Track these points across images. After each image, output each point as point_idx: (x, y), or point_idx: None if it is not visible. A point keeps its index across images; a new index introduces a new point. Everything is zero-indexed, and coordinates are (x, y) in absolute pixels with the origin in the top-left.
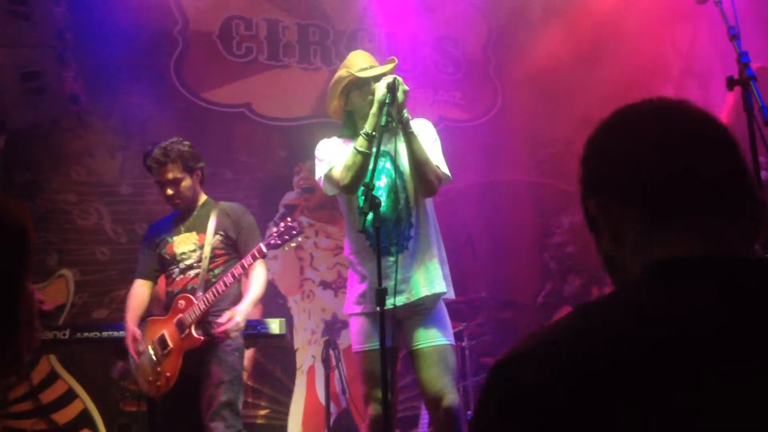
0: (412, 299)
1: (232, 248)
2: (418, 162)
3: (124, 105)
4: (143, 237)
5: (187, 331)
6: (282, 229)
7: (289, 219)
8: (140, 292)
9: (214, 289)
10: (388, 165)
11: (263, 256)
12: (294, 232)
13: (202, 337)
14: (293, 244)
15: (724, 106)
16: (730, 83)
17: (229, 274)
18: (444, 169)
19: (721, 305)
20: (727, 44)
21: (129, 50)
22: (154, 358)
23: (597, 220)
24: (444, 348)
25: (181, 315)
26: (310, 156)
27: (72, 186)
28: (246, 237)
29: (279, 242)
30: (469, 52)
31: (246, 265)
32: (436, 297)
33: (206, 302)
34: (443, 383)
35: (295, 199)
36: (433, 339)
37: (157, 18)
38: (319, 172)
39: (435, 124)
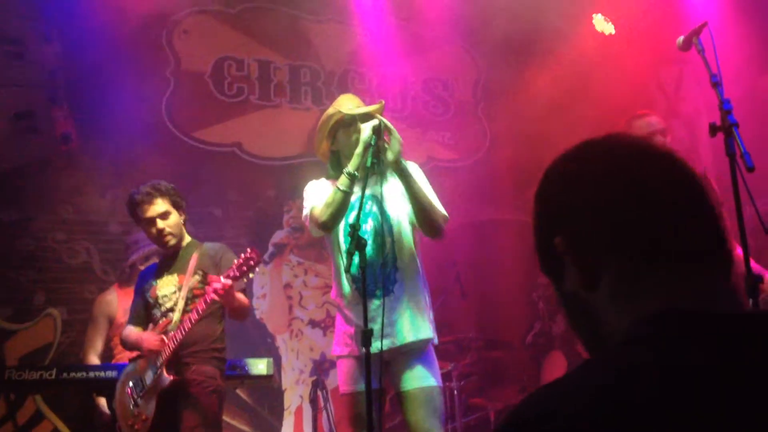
0: (397, 344)
1: None
2: (424, 206)
3: (114, 144)
4: (135, 283)
5: (158, 372)
6: (241, 260)
7: (248, 249)
8: (132, 330)
9: (181, 328)
10: (375, 209)
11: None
12: (252, 263)
13: (170, 377)
14: (251, 275)
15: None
16: (713, 130)
17: (194, 311)
18: (443, 209)
19: (732, 362)
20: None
21: (121, 89)
22: (132, 399)
23: (561, 259)
24: (431, 390)
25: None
26: (299, 195)
27: (60, 224)
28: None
29: (237, 274)
30: (458, 93)
31: (208, 301)
32: (421, 342)
33: (174, 341)
34: (430, 425)
35: (284, 238)
36: (420, 381)
37: (150, 58)
38: (304, 213)
39: (424, 164)
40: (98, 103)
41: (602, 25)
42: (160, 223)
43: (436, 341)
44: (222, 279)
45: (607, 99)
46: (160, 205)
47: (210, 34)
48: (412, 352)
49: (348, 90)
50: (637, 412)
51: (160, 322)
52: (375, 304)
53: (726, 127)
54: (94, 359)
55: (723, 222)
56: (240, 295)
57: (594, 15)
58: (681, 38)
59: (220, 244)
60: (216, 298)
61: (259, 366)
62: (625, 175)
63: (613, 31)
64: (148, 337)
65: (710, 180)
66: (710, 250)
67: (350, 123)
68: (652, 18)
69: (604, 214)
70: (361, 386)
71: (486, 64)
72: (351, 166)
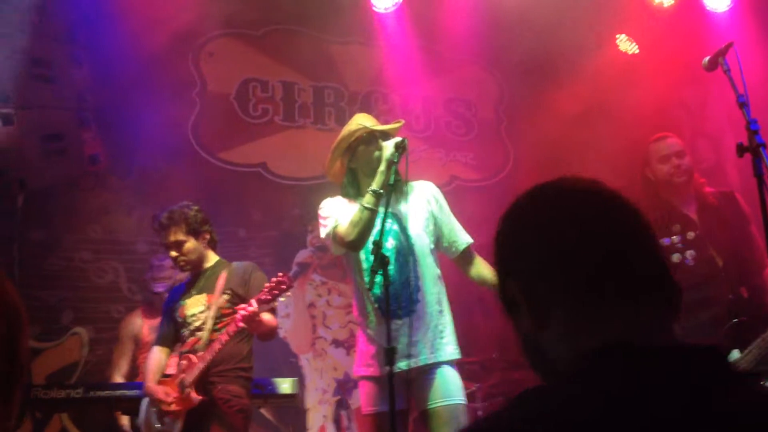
0: (420, 363)
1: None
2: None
3: (141, 165)
4: (164, 302)
5: (186, 391)
6: (273, 284)
7: (280, 274)
8: (156, 357)
9: (211, 348)
10: (396, 227)
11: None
12: (283, 287)
13: (199, 397)
14: (282, 299)
15: None
16: (740, 150)
17: (225, 333)
18: (462, 234)
19: (671, 397)
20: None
21: (148, 111)
22: (158, 419)
23: (516, 302)
24: (456, 407)
25: (182, 375)
26: None
27: (88, 244)
28: (255, 293)
29: (269, 297)
30: (481, 112)
31: (237, 327)
32: (445, 361)
33: (204, 361)
34: None
35: (308, 257)
36: (444, 398)
37: (176, 80)
38: (325, 231)
39: (447, 184)
40: (126, 125)
41: (626, 45)
42: (173, 253)
43: (459, 357)
44: (252, 303)
45: (631, 119)
46: (173, 235)
47: (235, 56)
48: (436, 371)
49: (371, 110)
50: None
51: (188, 341)
52: (397, 323)
53: (753, 148)
54: (119, 380)
55: (664, 257)
56: (268, 317)
57: (618, 35)
58: (707, 59)
59: (250, 263)
60: (243, 325)
61: (284, 385)
62: (568, 218)
63: (637, 51)
64: (156, 390)
65: (739, 200)
66: (652, 286)
67: (371, 140)
68: (677, 38)
69: (549, 256)
70: (384, 407)
71: (508, 83)
72: (376, 184)
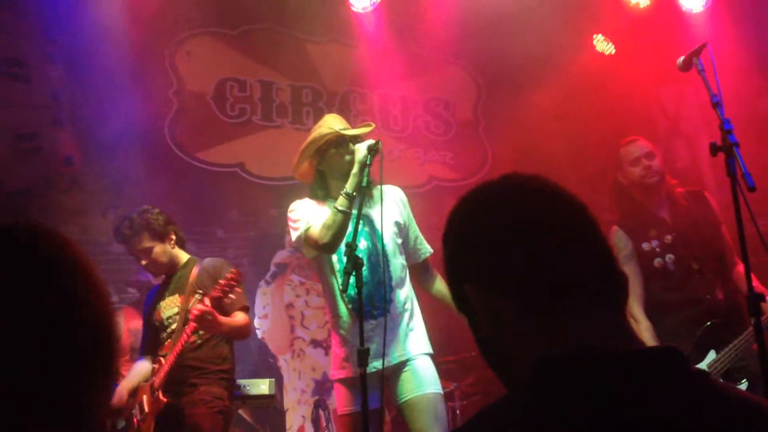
0: (394, 362)
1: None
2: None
3: (117, 165)
4: (143, 308)
5: (156, 394)
6: (224, 281)
7: (233, 270)
8: (140, 367)
9: (174, 349)
10: (367, 228)
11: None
12: (234, 283)
13: (164, 400)
14: (232, 296)
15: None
16: (714, 149)
17: (184, 332)
18: (425, 244)
19: (622, 406)
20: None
21: (124, 111)
22: (135, 424)
23: (471, 307)
24: (433, 397)
25: (153, 379)
26: None
27: None
28: None
29: (220, 294)
30: (459, 112)
31: (192, 324)
32: (419, 356)
33: (169, 363)
34: None
35: (286, 258)
36: (420, 389)
37: (153, 79)
38: (296, 234)
39: (425, 183)
40: (101, 125)
41: (603, 45)
42: (143, 261)
43: (431, 352)
44: (206, 301)
45: (608, 118)
46: (139, 244)
47: (212, 56)
48: (408, 365)
49: (350, 110)
50: None
51: (166, 344)
52: (372, 323)
53: (727, 147)
54: None
55: (611, 254)
56: (230, 319)
57: (594, 35)
58: (681, 59)
59: (220, 259)
60: (195, 325)
61: (261, 386)
62: (513, 219)
63: (613, 52)
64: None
65: (709, 199)
66: (601, 285)
67: (341, 143)
68: (653, 39)
69: (500, 262)
70: (359, 406)
71: (486, 83)
72: (349, 187)
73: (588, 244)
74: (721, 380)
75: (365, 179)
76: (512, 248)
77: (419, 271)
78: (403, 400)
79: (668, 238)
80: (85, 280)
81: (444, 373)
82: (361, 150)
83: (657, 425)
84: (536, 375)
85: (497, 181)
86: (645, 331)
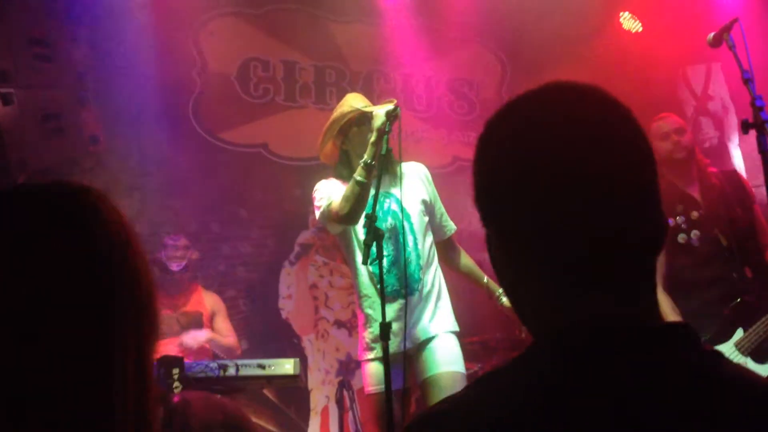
0: (421, 340)
1: None
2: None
3: (142, 145)
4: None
5: None
6: None
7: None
8: None
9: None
10: (394, 206)
11: None
12: None
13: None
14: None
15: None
16: (745, 126)
17: None
18: (450, 221)
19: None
20: (741, 84)
21: (148, 91)
22: None
23: (496, 256)
24: (455, 375)
25: None
26: None
27: None
28: None
29: None
30: (483, 92)
31: None
32: (445, 334)
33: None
34: None
35: (310, 238)
36: (443, 366)
37: (177, 59)
38: (319, 212)
39: (449, 164)
40: (126, 105)
41: (629, 23)
42: None
43: (457, 329)
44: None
45: (635, 97)
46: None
47: (236, 36)
48: (433, 342)
49: (373, 90)
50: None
51: None
52: (399, 303)
53: (759, 124)
54: None
55: (664, 215)
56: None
57: (621, 13)
58: (711, 35)
59: None
60: None
61: (286, 366)
62: (544, 164)
63: (640, 29)
64: None
65: (742, 179)
66: (639, 260)
67: (363, 122)
68: (680, 16)
69: (520, 214)
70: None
71: (511, 62)
72: (368, 156)
73: (641, 219)
74: (749, 357)
75: (384, 146)
76: (534, 200)
77: (445, 248)
78: (425, 378)
79: (695, 214)
80: (126, 236)
81: (468, 354)
82: (379, 116)
83: (649, 403)
84: (537, 347)
85: (534, 96)
86: (662, 304)
